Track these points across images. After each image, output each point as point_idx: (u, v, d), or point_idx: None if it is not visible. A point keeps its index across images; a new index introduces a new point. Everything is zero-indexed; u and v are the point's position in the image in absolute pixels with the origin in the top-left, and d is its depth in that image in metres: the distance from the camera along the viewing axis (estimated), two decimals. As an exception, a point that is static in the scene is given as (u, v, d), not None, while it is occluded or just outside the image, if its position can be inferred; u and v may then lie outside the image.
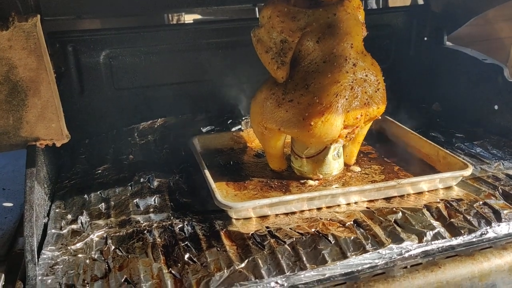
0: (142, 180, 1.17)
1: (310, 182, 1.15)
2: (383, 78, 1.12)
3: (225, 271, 0.82)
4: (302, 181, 1.16)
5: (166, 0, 1.43)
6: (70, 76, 1.39)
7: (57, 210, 1.06)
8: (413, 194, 1.09)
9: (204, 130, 1.46)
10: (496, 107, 1.42)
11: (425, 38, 1.70)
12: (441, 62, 1.64)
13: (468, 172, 1.10)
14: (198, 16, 1.87)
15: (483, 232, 0.92)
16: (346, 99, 1.02)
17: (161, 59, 1.46)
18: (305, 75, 1.03)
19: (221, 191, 1.08)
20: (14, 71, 0.92)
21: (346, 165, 1.23)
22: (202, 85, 1.52)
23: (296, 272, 0.81)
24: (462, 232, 0.92)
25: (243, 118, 1.48)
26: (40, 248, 0.90)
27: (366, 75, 1.04)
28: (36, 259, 0.85)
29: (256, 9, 1.62)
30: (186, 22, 1.76)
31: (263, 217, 1.00)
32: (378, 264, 0.84)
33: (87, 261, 0.87)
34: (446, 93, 1.63)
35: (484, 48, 2.69)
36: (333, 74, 1.00)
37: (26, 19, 0.90)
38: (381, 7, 1.91)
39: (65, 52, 1.37)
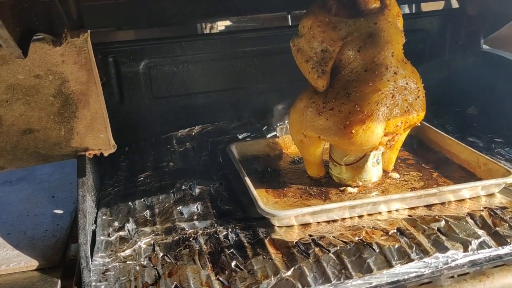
0: (184, 187, 1.20)
1: (350, 189, 1.16)
2: (423, 85, 1.12)
3: (272, 278, 0.84)
4: (341, 188, 1.17)
5: (202, 10, 1.46)
6: (111, 86, 1.44)
7: (103, 217, 1.09)
8: (454, 201, 1.09)
9: (240, 136, 1.48)
10: (536, 111, 1.40)
11: (460, 42, 1.68)
12: (477, 65, 1.62)
13: (511, 179, 1.09)
14: (229, 24, 1.89)
15: (531, 241, 0.91)
16: (387, 107, 1.02)
17: (198, 68, 1.49)
18: (346, 84, 1.04)
19: (261, 199, 1.10)
20: (66, 84, 0.97)
21: (385, 172, 1.23)
22: (237, 92, 1.54)
23: (342, 280, 0.82)
24: (509, 241, 0.92)
25: (278, 124, 1.50)
26: (91, 254, 0.94)
27: (407, 83, 1.04)
28: (90, 266, 0.88)
29: (289, 16, 1.64)
30: (219, 30, 1.78)
31: (305, 225, 1.02)
32: (425, 273, 0.84)
33: (137, 267, 0.91)
34: (482, 97, 1.61)
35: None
36: (374, 83, 1.01)
37: (78, 35, 0.94)
38: (413, 11, 1.90)
39: (106, 63, 1.41)
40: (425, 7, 1.92)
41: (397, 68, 1.03)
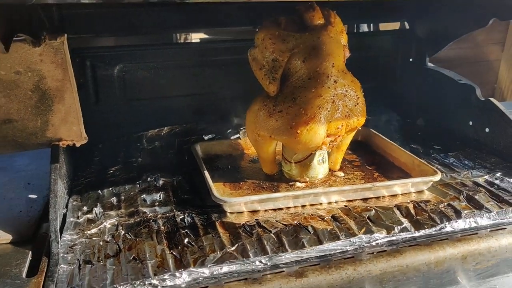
0: (149, 179, 1.32)
1: (298, 184, 1.30)
2: (364, 93, 1.27)
3: (218, 252, 0.97)
4: (290, 183, 1.31)
5: (174, 21, 1.60)
6: (87, 87, 1.56)
7: (74, 203, 1.21)
8: (388, 196, 1.24)
9: (206, 137, 1.62)
10: (470, 123, 1.57)
11: (410, 60, 1.86)
12: (424, 81, 1.79)
13: (436, 178, 1.24)
14: (204, 36, 2.04)
15: (442, 227, 1.06)
16: (328, 111, 1.17)
17: (168, 74, 1.62)
18: (293, 89, 1.18)
19: (218, 190, 1.23)
20: (43, 81, 1.09)
21: (331, 171, 1.38)
22: (205, 97, 1.68)
23: (278, 253, 0.95)
24: (425, 227, 1.07)
25: (241, 128, 1.63)
26: (60, 232, 1.05)
27: (346, 91, 1.20)
28: (59, 239, 1.00)
29: (257, 30, 1.78)
30: (193, 41, 1.93)
31: (254, 212, 1.15)
32: (349, 249, 0.98)
33: (101, 243, 1.02)
34: (428, 109, 1.78)
35: (474, 69, 2.87)
36: (316, 89, 1.15)
37: (55, 38, 1.07)
38: (372, 30, 2.08)
39: (84, 66, 1.54)
40: (384, 26, 2.10)
41: (337, 77, 1.18)
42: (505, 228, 1.07)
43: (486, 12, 1.45)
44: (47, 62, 1.08)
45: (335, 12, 1.24)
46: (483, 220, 1.08)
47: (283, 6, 1.32)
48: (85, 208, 1.18)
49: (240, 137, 1.62)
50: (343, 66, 1.22)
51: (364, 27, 2.07)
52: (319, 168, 1.31)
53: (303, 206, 1.18)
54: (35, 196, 1.21)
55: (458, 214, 1.11)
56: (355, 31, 2.02)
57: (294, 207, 1.17)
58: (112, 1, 0.66)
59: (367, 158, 1.49)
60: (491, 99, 1.46)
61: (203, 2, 0.71)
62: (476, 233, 1.05)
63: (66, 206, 1.19)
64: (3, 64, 1.03)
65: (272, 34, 1.17)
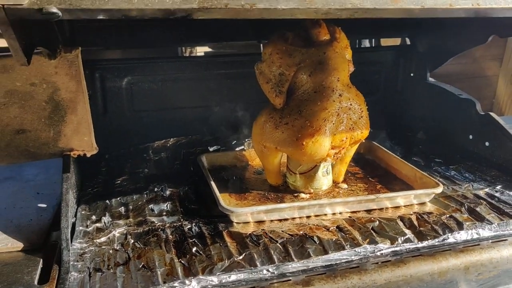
0: (156, 189, 1.35)
1: (302, 195, 1.32)
2: (367, 107, 1.30)
3: (226, 261, 0.99)
4: (295, 194, 1.33)
5: (181, 36, 1.64)
6: (96, 98, 1.59)
7: (83, 212, 1.23)
8: (391, 208, 1.26)
9: (211, 149, 1.65)
10: (470, 136, 1.60)
11: (411, 74, 1.90)
12: (425, 96, 1.83)
13: (438, 190, 1.27)
14: (209, 49, 2.08)
15: (445, 238, 1.08)
16: (333, 123, 1.20)
17: (175, 86, 1.66)
18: (299, 102, 1.22)
19: (224, 201, 1.25)
20: (57, 92, 1.12)
21: (335, 183, 1.41)
22: (210, 109, 1.71)
23: (284, 262, 0.97)
24: (428, 237, 1.09)
25: (246, 140, 1.66)
26: (70, 241, 1.07)
27: (351, 104, 1.23)
28: (70, 247, 1.02)
29: (261, 45, 1.83)
30: (199, 54, 1.97)
31: (260, 222, 1.17)
32: (354, 259, 1.01)
33: (111, 251, 1.04)
34: (429, 123, 1.82)
35: (474, 84, 2.91)
36: (322, 102, 1.19)
37: (71, 51, 1.11)
38: (373, 45, 2.12)
39: (93, 78, 1.57)
40: (385, 42, 2.14)
41: (342, 91, 1.21)
42: (506, 240, 1.09)
43: (486, 29, 1.49)
44: (61, 74, 1.12)
45: (340, 28, 1.28)
46: (485, 232, 1.11)
47: (289, 21, 1.36)
48: (93, 217, 1.20)
49: (245, 148, 1.64)
50: (348, 80, 1.25)
51: (366, 43, 2.12)
52: (323, 179, 1.34)
53: (308, 216, 1.20)
54: (44, 205, 1.23)
55: (460, 226, 1.14)
56: (357, 46, 2.07)
57: (300, 217, 1.20)
58: (124, 18, 0.70)
59: (369, 170, 1.52)
60: (491, 113, 1.49)
61: (209, 19, 0.74)
62: (478, 244, 1.08)
63: (75, 215, 1.21)
64: (20, 75, 1.06)
65: (279, 49, 1.21)
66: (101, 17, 0.67)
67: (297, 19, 1.25)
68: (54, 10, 0.64)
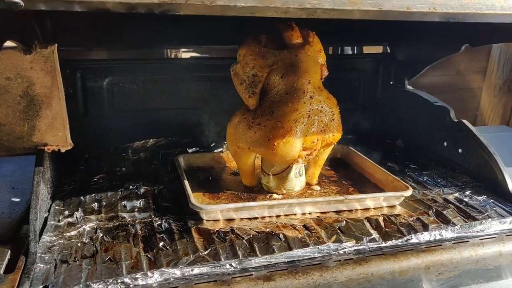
0: (131, 187, 1.36)
1: (275, 196, 1.34)
2: (339, 111, 1.33)
3: (191, 256, 1.00)
4: (268, 195, 1.35)
5: (163, 37, 1.67)
6: (76, 98, 1.61)
7: (56, 207, 1.24)
8: (360, 209, 1.28)
9: (190, 150, 1.67)
10: (445, 143, 1.63)
11: (391, 82, 1.93)
12: (403, 103, 1.86)
13: (407, 193, 1.29)
14: (191, 53, 2.11)
15: (408, 238, 1.10)
16: (304, 125, 1.23)
17: (156, 88, 1.68)
18: (271, 103, 1.24)
19: (197, 199, 1.27)
20: (32, 87, 1.14)
21: (308, 185, 1.43)
22: (190, 112, 1.74)
23: (247, 258, 0.99)
24: (393, 238, 1.11)
25: (225, 142, 1.69)
26: (40, 234, 1.09)
27: (322, 107, 1.25)
28: (38, 239, 1.03)
29: (239, 47, 1.86)
30: (181, 56, 2.00)
31: (230, 220, 1.19)
32: (317, 256, 1.02)
33: (79, 244, 1.06)
34: (407, 130, 1.85)
35: (458, 96, 2.96)
36: (293, 104, 1.21)
37: (46, 47, 1.12)
38: (356, 53, 2.16)
39: (74, 77, 1.59)
40: (367, 49, 2.18)
41: (313, 94, 1.24)
42: (467, 241, 1.12)
43: (459, 39, 1.53)
44: (37, 70, 1.13)
45: (314, 32, 1.31)
46: (448, 233, 1.13)
47: (268, 26, 1.40)
48: (66, 212, 1.21)
49: (223, 150, 1.67)
50: (320, 83, 1.28)
51: (349, 50, 2.15)
52: (296, 181, 1.36)
53: (277, 216, 1.22)
54: (18, 200, 1.25)
55: (425, 228, 1.16)
56: (339, 53, 2.10)
57: (269, 216, 1.21)
58: (100, 13, 0.72)
59: (344, 174, 1.54)
60: (464, 120, 1.52)
61: (190, 15, 0.77)
62: (440, 245, 1.10)
63: (48, 210, 1.22)
64: (-6, 70, 1.08)
65: (252, 50, 1.24)
66: (62, 8, 0.70)
67: (272, 22, 1.29)
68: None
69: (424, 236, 1.12)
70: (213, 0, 0.73)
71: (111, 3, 0.69)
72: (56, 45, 1.14)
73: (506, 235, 1.16)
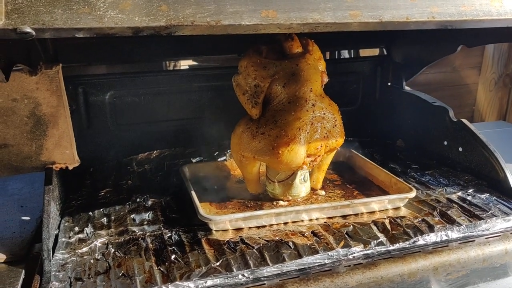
0: (138, 200, 1.38)
1: (281, 202, 1.36)
2: (341, 116, 1.35)
3: (203, 267, 1.02)
4: (274, 202, 1.37)
5: (163, 50, 1.69)
6: (79, 113, 1.63)
7: (66, 224, 1.26)
8: (366, 213, 1.30)
9: (194, 160, 1.68)
10: (445, 142, 1.65)
11: (389, 84, 1.96)
12: (401, 104, 1.88)
13: (411, 195, 1.31)
14: (191, 63, 2.13)
15: (415, 240, 1.12)
16: (307, 132, 1.25)
17: (157, 100, 1.70)
18: (274, 113, 1.26)
19: (205, 210, 1.28)
20: (39, 107, 1.15)
21: (313, 190, 1.45)
22: (193, 122, 1.75)
23: (259, 267, 1.01)
24: (400, 241, 1.13)
25: (228, 151, 1.70)
26: (52, 252, 1.10)
27: (324, 113, 1.27)
28: (51, 258, 1.04)
29: (240, 59, 1.88)
30: (181, 68, 2.01)
31: (238, 229, 1.20)
32: (327, 263, 1.04)
33: (92, 261, 1.07)
34: (407, 131, 1.87)
35: (454, 92, 2.98)
36: (296, 112, 1.23)
37: (51, 67, 1.14)
38: (353, 56, 2.18)
39: (76, 93, 1.60)
40: (364, 52, 2.21)
41: (315, 101, 1.26)
42: (473, 241, 1.14)
43: (455, 40, 1.55)
44: (42, 90, 1.15)
45: (313, 40, 1.33)
46: (453, 234, 1.15)
47: (266, 36, 1.41)
48: (76, 229, 1.23)
49: (227, 159, 1.68)
50: (321, 91, 1.30)
51: (346, 54, 2.18)
52: (301, 187, 1.38)
53: (285, 223, 1.24)
54: (28, 218, 1.26)
55: (431, 229, 1.18)
56: (336, 57, 2.13)
57: (277, 224, 1.23)
58: (104, 36, 0.74)
59: (348, 177, 1.56)
60: (463, 120, 1.55)
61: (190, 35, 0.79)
62: (447, 246, 1.12)
63: (58, 227, 1.24)
64: (1, 92, 1.10)
65: (254, 62, 1.26)
66: (70, 35, 0.71)
67: (273, 34, 1.31)
68: (28, 29, 0.68)
69: (431, 238, 1.14)
70: (218, 20, 0.75)
71: (119, 28, 0.71)
72: (60, 65, 1.15)
73: (511, 233, 1.18)
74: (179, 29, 0.76)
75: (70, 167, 1.23)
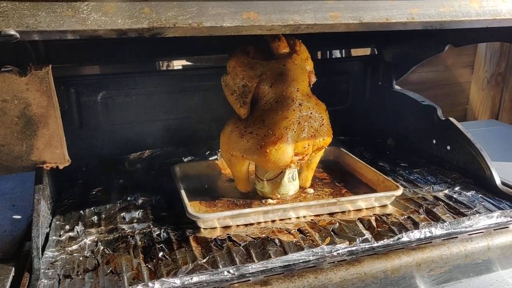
0: (129, 198, 1.39)
1: (270, 201, 1.38)
2: (328, 115, 1.37)
3: (190, 264, 1.04)
4: (263, 201, 1.38)
5: (154, 51, 1.71)
6: (71, 113, 1.64)
7: (57, 223, 1.27)
8: (353, 210, 1.32)
9: (185, 160, 1.70)
10: (434, 141, 1.67)
11: (379, 83, 1.98)
12: (391, 103, 1.90)
13: (398, 192, 1.33)
14: (183, 63, 2.15)
15: (400, 237, 1.14)
16: (295, 131, 1.27)
17: (149, 99, 1.71)
18: (262, 112, 1.28)
19: (194, 208, 1.30)
20: (29, 108, 1.17)
21: (302, 188, 1.46)
22: (184, 121, 1.77)
23: (245, 264, 1.03)
24: (385, 238, 1.15)
25: (219, 150, 1.72)
26: (43, 250, 1.12)
27: (311, 113, 1.29)
28: (41, 255, 1.06)
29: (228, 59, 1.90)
30: (173, 68, 2.03)
31: (227, 227, 1.22)
32: (311, 259, 1.06)
33: (81, 258, 1.09)
34: (397, 129, 1.89)
35: (447, 91, 3.00)
36: (283, 112, 1.25)
37: (41, 68, 1.16)
38: (344, 56, 2.20)
39: (68, 93, 1.62)
40: (355, 52, 2.22)
41: (302, 101, 1.28)
42: (456, 237, 1.16)
43: (442, 40, 1.57)
44: (32, 91, 1.16)
45: (300, 41, 1.35)
46: (437, 230, 1.17)
47: (253, 36, 1.43)
48: (67, 227, 1.24)
49: (218, 158, 1.70)
50: (308, 90, 1.32)
51: (337, 53, 2.20)
52: (290, 185, 1.40)
53: (273, 221, 1.26)
54: (19, 217, 1.28)
55: (416, 226, 1.20)
56: (328, 57, 2.14)
57: (265, 222, 1.25)
58: (91, 38, 0.76)
59: (337, 176, 1.58)
60: (451, 118, 1.57)
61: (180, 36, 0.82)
62: (430, 242, 1.14)
63: (49, 226, 1.25)
64: (-9, 93, 1.11)
65: (241, 62, 1.27)
66: (57, 37, 0.73)
67: (260, 34, 1.33)
68: (12, 32, 0.70)
69: (415, 234, 1.15)
70: (200, 22, 0.77)
71: (103, 30, 0.73)
72: (50, 66, 1.17)
73: (494, 229, 1.20)
74: (162, 31, 0.77)
75: (61, 167, 1.24)
